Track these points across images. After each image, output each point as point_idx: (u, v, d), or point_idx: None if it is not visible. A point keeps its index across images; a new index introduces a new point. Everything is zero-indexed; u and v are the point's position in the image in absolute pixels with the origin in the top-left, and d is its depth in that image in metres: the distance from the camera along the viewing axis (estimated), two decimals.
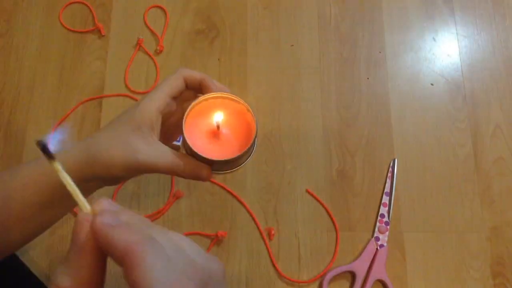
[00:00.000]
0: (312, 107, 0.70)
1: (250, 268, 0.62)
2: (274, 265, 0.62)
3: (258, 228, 0.64)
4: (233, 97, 0.43)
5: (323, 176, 0.66)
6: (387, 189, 0.66)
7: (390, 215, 0.64)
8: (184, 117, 0.42)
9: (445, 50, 0.73)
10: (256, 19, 0.74)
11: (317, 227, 0.64)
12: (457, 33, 0.74)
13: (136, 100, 0.70)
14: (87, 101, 0.70)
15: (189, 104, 0.42)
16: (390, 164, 0.67)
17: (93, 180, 0.41)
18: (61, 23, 0.74)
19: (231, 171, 0.45)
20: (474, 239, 0.64)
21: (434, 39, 0.74)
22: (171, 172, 0.42)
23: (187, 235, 0.64)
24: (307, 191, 0.66)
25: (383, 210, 0.65)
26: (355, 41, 0.73)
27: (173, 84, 0.42)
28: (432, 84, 0.71)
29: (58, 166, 0.28)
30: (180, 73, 0.43)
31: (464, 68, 0.72)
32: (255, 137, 0.42)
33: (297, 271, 0.62)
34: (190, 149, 0.41)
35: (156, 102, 0.41)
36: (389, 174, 0.66)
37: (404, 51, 0.73)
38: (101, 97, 0.70)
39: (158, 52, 0.72)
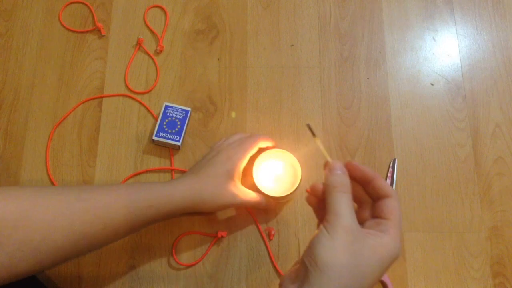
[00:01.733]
0: (312, 107, 0.70)
1: (250, 268, 0.62)
2: (274, 265, 0.62)
3: (258, 228, 0.64)
4: (285, 151, 0.62)
5: (323, 176, 0.66)
6: None
7: None
8: (254, 167, 0.61)
9: (445, 50, 0.73)
10: (256, 19, 0.74)
11: (317, 227, 0.64)
12: (457, 33, 0.74)
13: (135, 100, 0.70)
14: (87, 101, 0.70)
15: (256, 158, 0.61)
16: (390, 164, 0.67)
17: (193, 211, 0.58)
18: (61, 23, 0.74)
19: (286, 201, 0.65)
20: (474, 239, 0.64)
21: (434, 39, 0.74)
22: (254, 207, 0.63)
23: (187, 235, 0.64)
24: (307, 191, 0.66)
25: None
26: (355, 41, 0.73)
27: (254, 149, 0.61)
28: (432, 84, 0.71)
29: (319, 141, 0.46)
30: (257, 141, 0.62)
31: (464, 68, 0.72)
32: (301, 178, 0.60)
33: None
34: (258, 189, 0.60)
35: (243, 161, 0.60)
36: (389, 174, 0.66)
37: (404, 51, 0.73)
38: (101, 97, 0.70)
39: (158, 52, 0.72)
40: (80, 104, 0.69)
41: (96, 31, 0.73)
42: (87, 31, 0.73)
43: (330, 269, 0.36)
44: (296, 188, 0.61)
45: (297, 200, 0.65)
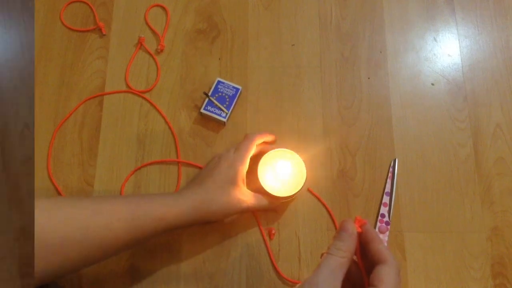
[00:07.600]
0: (312, 107, 0.70)
1: (250, 268, 0.62)
2: (274, 265, 0.62)
3: (259, 227, 0.64)
4: (290, 151, 0.62)
5: (323, 176, 0.66)
6: (387, 189, 0.66)
7: (391, 215, 0.64)
8: (259, 167, 0.61)
9: (446, 50, 0.73)
10: (257, 18, 0.74)
11: (317, 227, 0.64)
12: (458, 33, 0.74)
13: (138, 95, 0.70)
14: (89, 99, 0.70)
15: (261, 157, 0.62)
16: (390, 164, 0.67)
17: (202, 222, 0.59)
18: (62, 22, 0.74)
19: (290, 199, 0.64)
20: (474, 239, 0.64)
21: (435, 39, 0.74)
22: (258, 210, 0.63)
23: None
24: (308, 190, 0.66)
25: (384, 210, 0.65)
26: (356, 40, 0.73)
27: (252, 150, 0.62)
28: (433, 84, 0.71)
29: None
30: (253, 141, 0.62)
31: (465, 68, 0.72)
32: (306, 177, 0.61)
33: (297, 271, 0.62)
34: (265, 190, 0.61)
35: (244, 165, 0.60)
36: (390, 174, 0.66)
37: (405, 51, 0.73)
38: (102, 95, 0.70)
39: (159, 51, 0.72)
40: (81, 103, 0.70)
41: (97, 30, 0.73)
42: (88, 30, 0.73)
43: None
44: (302, 188, 0.61)
45: (298, 199, 0.65)
